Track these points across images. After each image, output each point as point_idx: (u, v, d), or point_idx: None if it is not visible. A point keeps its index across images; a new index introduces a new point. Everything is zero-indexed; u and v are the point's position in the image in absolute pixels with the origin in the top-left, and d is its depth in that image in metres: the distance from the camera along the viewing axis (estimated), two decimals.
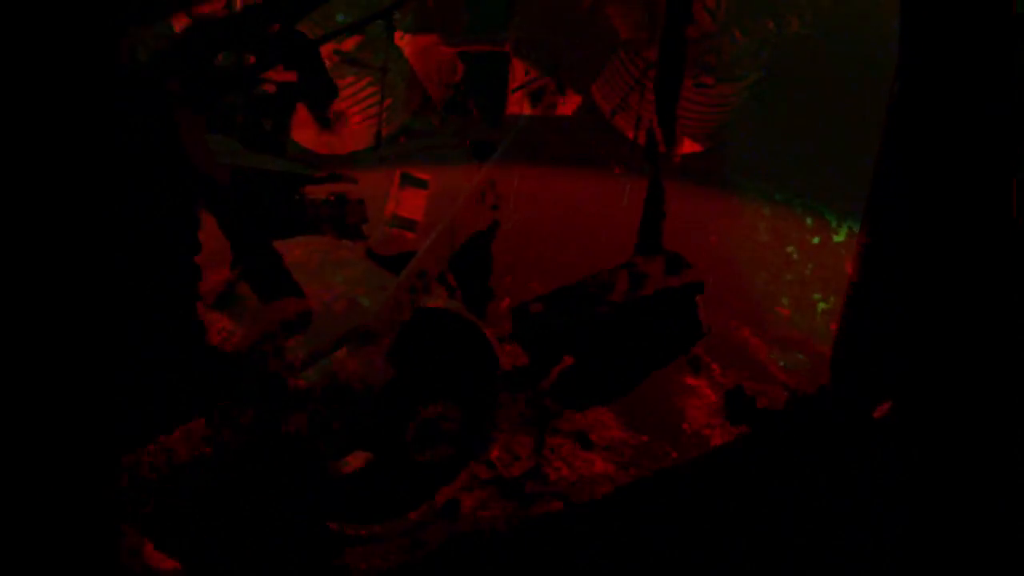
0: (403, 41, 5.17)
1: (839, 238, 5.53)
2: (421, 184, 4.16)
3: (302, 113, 4.84)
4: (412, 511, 3.31)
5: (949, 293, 2.78)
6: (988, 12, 2.74)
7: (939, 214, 2.77)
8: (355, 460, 3.21)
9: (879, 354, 2.94)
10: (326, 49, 4.82)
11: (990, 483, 2.75)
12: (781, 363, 4.57)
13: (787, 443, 3.14)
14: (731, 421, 3.77)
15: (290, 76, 3.62)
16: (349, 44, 4.87)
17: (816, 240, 5.50)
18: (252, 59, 3.53)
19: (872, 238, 2.91)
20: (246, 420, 3.06)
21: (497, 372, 3.47)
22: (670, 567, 2.83)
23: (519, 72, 5.50)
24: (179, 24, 3.75)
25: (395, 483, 3.26)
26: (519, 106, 5.46)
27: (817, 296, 5.33)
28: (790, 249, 5.36)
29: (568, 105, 5.73)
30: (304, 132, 5.10)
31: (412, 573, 3.00)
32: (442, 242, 3.71)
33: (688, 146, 5.69)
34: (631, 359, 3.57)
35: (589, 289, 3.59)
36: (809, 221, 5.49)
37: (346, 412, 3.24)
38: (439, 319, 3.41)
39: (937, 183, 2.77)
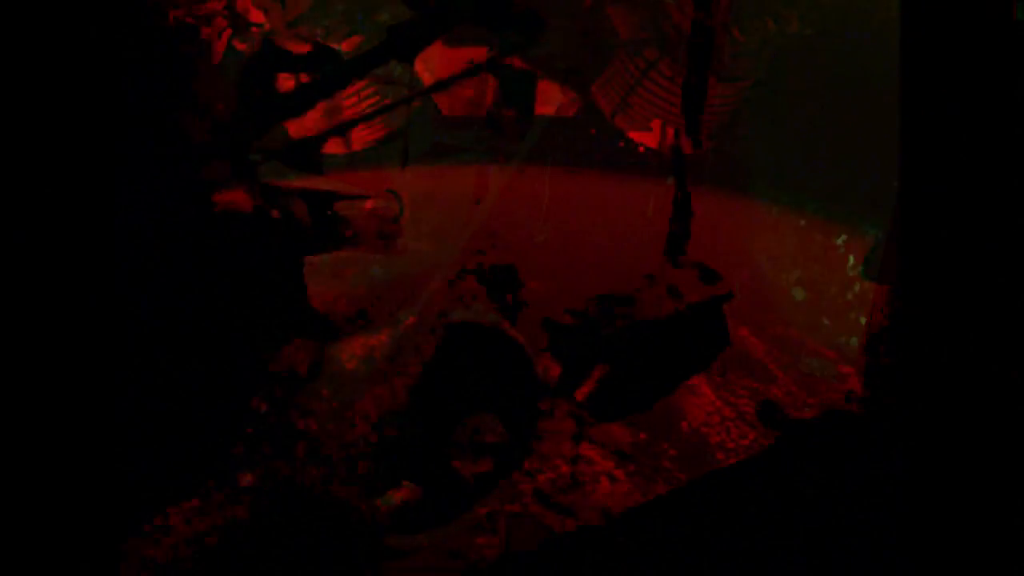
0: None
1: (839, 239, 5.53)
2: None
3: (304, 116, 4.86)
4: (453, 522, 3.30)
5: (989, 298, 2.75)
6: (987, 19, 2.74)
7: (974, 217, 2.75)
8: (402, 492, 3.20)
9: (913, 363, 2.90)
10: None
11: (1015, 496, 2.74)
12: (810, 368, 4.55)
13: (820, 453, 3.12)
14: (765, 426, 3.77)
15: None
16: (349, 44, 4.90)
17: (817, 239, 5.50)
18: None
19: (906, 242, 2.88)
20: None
21: (536, 384, 3.48)
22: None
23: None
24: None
25: (436, 495, 3.26)
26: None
27: (822, 295, 5.33)
28: (789, 248, 5.37)
29: (571, 107, 5.75)
30: (307, 133, 5.11)
31: None
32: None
33: (687, 145, 5.69)
34: (661, 370, 3.58)
35: (620, 300, 3.60)
36: (807, 221, 5.50)
37: (377, 448, 3.23)
38: (478, 333, 3.42)
39: (960, 187, 2.75)
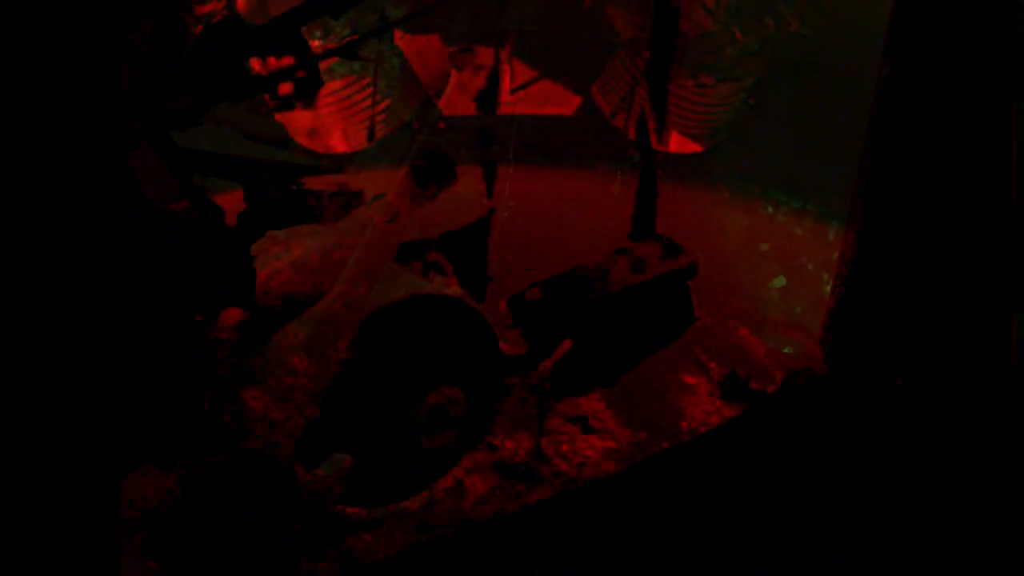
0: (402, 41, 5.20)
1: (831, 236, 5.52)
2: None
3: (301, 116, 4.87)
4: (418, 495, 3.33)
5: (943, 277, 2.77)
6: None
7: (933, 196, 2.76)
8: (338, 461, 3.22)
9: (871, 336, 2.94)
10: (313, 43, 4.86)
11: (983, 473, 2.75)
12: (786, 349, 4.54)
13: (783, 422, 3.15)
14: (726, 399, 3.80)
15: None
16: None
17: (809, 236, 5.49)
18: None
19: (863, 219, 2.91)
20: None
21: (498, 358, 3.50)
22: (671, 544, 2.85)
23: (519, 72, 5.52)
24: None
25: (401, 467, 3.29)
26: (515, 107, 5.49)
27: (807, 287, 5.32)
28: (789, 247, 5.36)
29: (569, 105, 5.75)
30: (301, 134, 5.13)
31: (420, 555, 3.01)
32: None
33: (687, 146, 5.69)
34: (626, 344, 3.60)
35: (585, 275, 3.62)
36: (800, 218, 5.49)
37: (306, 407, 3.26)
38: (437, 305, 3.44)
39: (930, 165, 2.77)
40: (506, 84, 5.44)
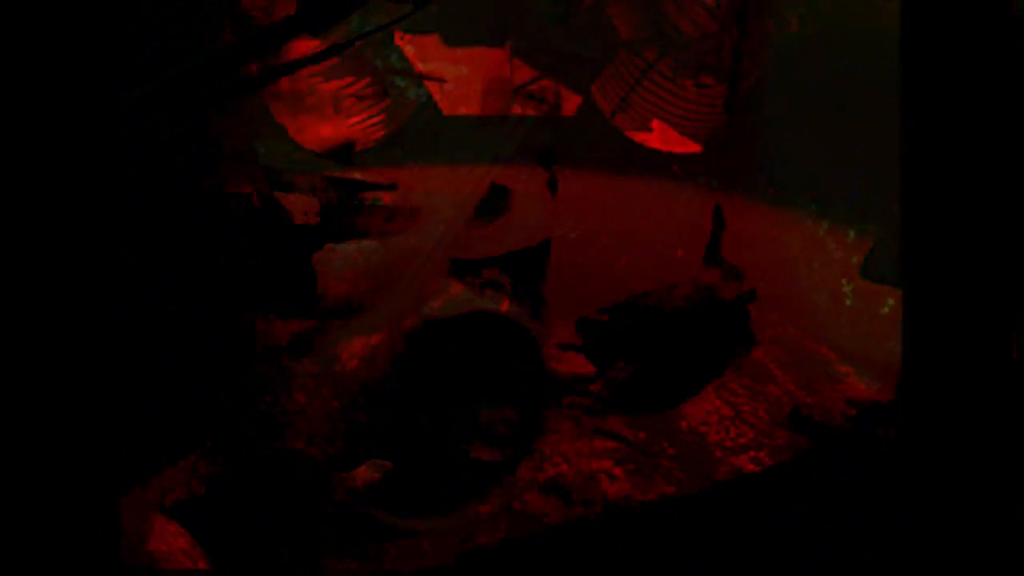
0: (403, 41, 5.20)
1: (849, 238, 5.53)
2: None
3: (303, 117, 4.87)
4: (463, 509, 3.32)
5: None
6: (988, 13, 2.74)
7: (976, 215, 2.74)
8: (370, 469, 3.21)
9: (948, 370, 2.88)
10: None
11: (983, 473, 2.74)
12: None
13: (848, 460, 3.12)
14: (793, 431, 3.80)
15: None
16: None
17: (818, 237, 5.50)
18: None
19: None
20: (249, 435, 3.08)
21: (548, 377, 3.51)
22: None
23: (520, 72, 5.52)
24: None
25: (443, 480, 3.28)
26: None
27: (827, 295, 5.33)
28: (791, 246, 5.37)
29: (569, 105, 5.75)
30: (306, 134, 5.13)
31: (462, 568, 3.00)
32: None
33: (687, 146, 5.70)
34: (687, 368, 3.63)
35: (650, 300, 3.65)
36: (810, 220, 5.49)
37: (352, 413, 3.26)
38: (491, 322, 3.44)
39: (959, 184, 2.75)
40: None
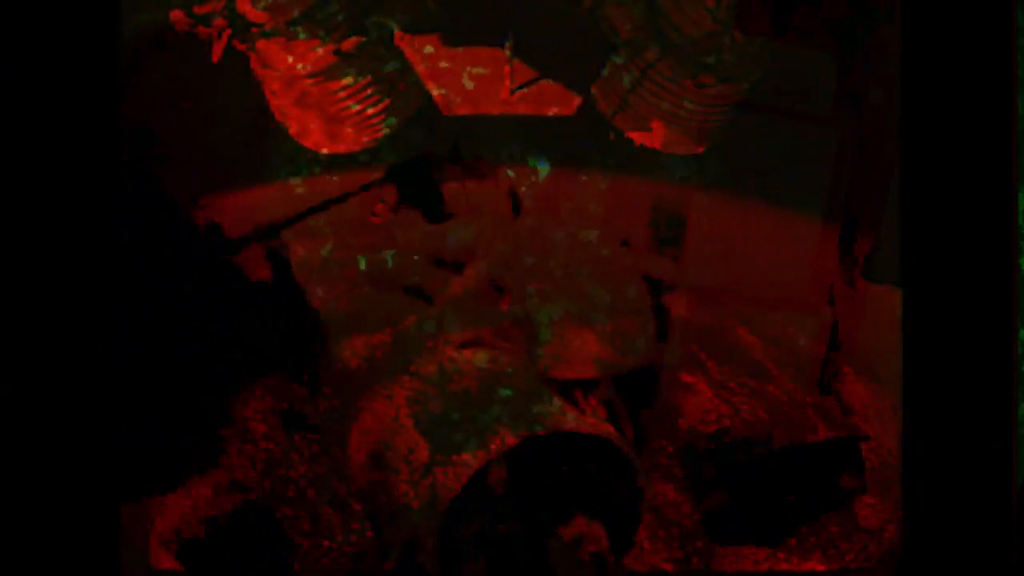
0: (403, 41, 5.20)
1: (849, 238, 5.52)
2: None
3: (304, 116, 4.87)
4: None
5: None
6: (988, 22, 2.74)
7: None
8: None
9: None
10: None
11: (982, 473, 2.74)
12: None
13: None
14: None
15: None
16: (349, 44, 4.91)
17: (817, 237, 5.50)
18: None
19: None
20: None
21: (644, 502, 3.42)
22: None
23: (520, 73, 5.52)
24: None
25: None
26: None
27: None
28: (787, 246, 5.37)
29: (569, 106, 5.75)
30: (306, 134, 5.13)
31: None
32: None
33: (687, 146, 5.71)
34: (789, 504, 3.53)
35: (756, 429, 3.56)
36: (804, 220, 5.50)
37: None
38: (588, 443, 3.34)
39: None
40: (506, 84, 5.45)
